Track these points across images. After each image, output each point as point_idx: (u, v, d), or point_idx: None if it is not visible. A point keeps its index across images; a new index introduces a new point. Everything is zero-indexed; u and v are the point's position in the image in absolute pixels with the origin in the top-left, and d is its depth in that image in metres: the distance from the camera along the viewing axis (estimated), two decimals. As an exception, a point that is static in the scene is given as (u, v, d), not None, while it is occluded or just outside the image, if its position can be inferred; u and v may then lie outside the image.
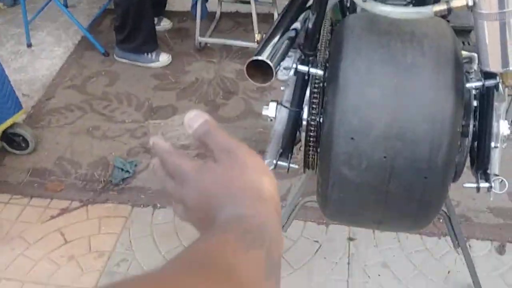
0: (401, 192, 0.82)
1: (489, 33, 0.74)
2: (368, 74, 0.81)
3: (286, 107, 0.92)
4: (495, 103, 0.93)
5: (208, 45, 2.89)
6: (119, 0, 2.53)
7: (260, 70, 0.79)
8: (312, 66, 0.86)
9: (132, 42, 2.65)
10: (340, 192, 0.86)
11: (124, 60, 2.74)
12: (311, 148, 0.91)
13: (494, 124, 0.92)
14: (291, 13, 0.89)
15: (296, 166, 0.96)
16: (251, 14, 2.65)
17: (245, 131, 2.30)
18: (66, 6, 3.25)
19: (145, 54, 2.69)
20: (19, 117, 2.12)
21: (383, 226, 0.91)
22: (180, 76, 2.70)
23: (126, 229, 1.93)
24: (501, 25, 0.73)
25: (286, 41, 0.86)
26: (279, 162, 0.95)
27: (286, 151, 0.95)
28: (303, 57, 0.87)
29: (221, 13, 3.10)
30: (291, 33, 0.87)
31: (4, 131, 2.10)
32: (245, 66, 0.80)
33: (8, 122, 2.05)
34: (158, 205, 2.02)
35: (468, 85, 0.82)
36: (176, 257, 0.37)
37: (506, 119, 0.93)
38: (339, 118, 0.81)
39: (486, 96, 0.84)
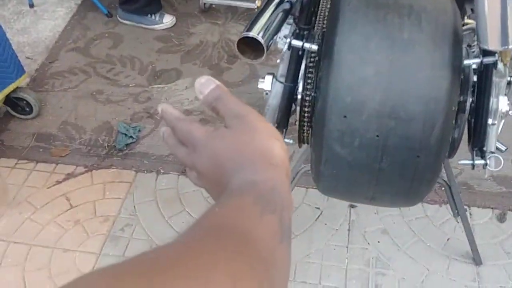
0: (394, 170, 0.81)
1: (489, 9, 0.71)
2: (363, 50, 0.79)
3: (280, 82, 0.90)
4: (495, 79, 0.91)
5: (213, 6, 2.83)
6: None
7: (252, 46, 0.77)
8: (307, 41, 0.84)
9: (135, 3, 2.61)
10: (333, 168, 0.85)
11: (127, 22, 2.70)
12: (305, 124, 0.90)
13: (493, 100, 0.90)
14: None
15: (291, 141, 0.95)
16: (256, -26, 2.58)
17: (249, 96, 2.29)
18: (68, -35, 3.18)
19: (149, 15, 2.65)
20: (22, 81, 2.11)
21: (375, 202, 0.91)
22: (184, 39, 2.66)
23: (130, 194, 1.96)
24: (502, 1, 0.70)
25: (280, 14, 0.84)
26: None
27: (281, 126, 0.95)
28: (297, 30, 0.85)
29: (226, -27, 3.02)
30: (285, 5, 0.85)
31: (8, 96, 2.10)
32: (236, 42, 0.79)
33: (11, 87, 2.05)
34: (162, 171, 2.03)
35: (466, 62, 0.80)
36: (194, 224, 0.38)
37: (506, 95, 0.91)
38: (332, 96, 0.80)
39: (484, 73, 0.81)
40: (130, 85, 2.42)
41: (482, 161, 0.90)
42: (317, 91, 0.84)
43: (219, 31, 2.69)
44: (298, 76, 0.89)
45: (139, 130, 2.19)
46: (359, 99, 0.79)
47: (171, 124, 0.47)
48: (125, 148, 2.12)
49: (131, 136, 2.14)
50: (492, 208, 1.87)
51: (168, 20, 2.66)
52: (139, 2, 2.59)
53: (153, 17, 2.65)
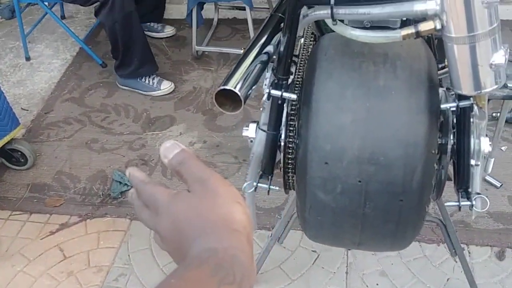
0: (378, 215, 0.81)
1: (459, 56, 0.73)
2: (340, 98, 0.81)
3: (263, 130, 0.91)
4: (476, 121, 0.92)
5: (206, 53, 2.89)
6: (103, 18, 2.44)
7: (230, 98, 0.79)
8: (285, 90, 0.86)
9: (128, 67, 2.57)
10: (317, 215, 0.85)
11: (126, 88, 2.66)
12: (290, 170, 0.90)
13: (476, 141, 0.91)
14: (264, 36, 0.89)
15: (277, 188, 0.96)
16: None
17: (242, 140, 2.30)
18: (63, 17, 3.28)
19: (146, 80, 2.60)
20: (17, 133, 2.13)
21: (363, 247, 0.90)
22: (178, 86, 2.70)
23: (125, 243, 1.94)
24: (471, 48, 0.72)
25: (258, 65, 0.86)
26: (259, 184, 0.95)
27: (266, 173, 0.95)
28: (276, 80, 0.87)
29: (218, 20, 3.11)
30: (263, 57, 0.87)
31: (3, 147, 2.12)
32: (214, 95, 0.80)
33: (6, 139, 2.06)
34: (156, 218, 2.02)
35: (442, 106, 0.81)
36: None
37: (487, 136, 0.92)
38: (312, 144, 0.81)
39: (462, 116, 0.83)
40: (125, 133, 2.43)
41: (468, 203, 0.89)
42: (298, 138, 0.85)
43: (212, 77, 2.73)
44: (281, 123, 0.90)
45: (134, 178, 2.19)
46: (339, 146, 0.80)
47: (136, 186, 0.47)
48: (120, 196, 2.11)
49: (125, 184, 2.14)
50: (490, 246, 1.85)
51: (166, 86, 2.61)
52: (133, 64, 2.55)
53: (150, 82, 2.60)
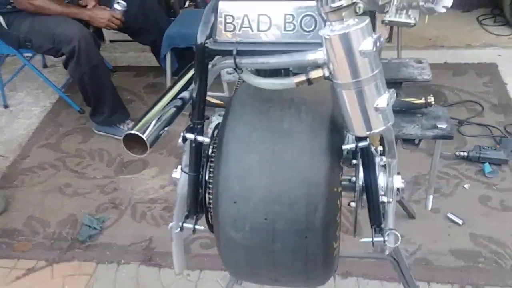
0: (287, 252, 0.85)
1: (348, 101, 0.78)
2: (248, 140, 0.86)
3: (185, 172, 0.96)
4: (388, 159, 0.97)
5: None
6: (71, 70, 2.55)
7: (139, 141, 0.84)
8: (198, 134, 0.91)
9: (101, 114, 2.67)
10: (232, 253, 0.89)
11: (102, 133, 2.74)
12: (210, 210, 0.95)
13: (389, 179, 0.96)
14: (180, 83, 0.95)
15: (202, 228, 0.99)
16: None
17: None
18: (45, 66, 3.38)
19: (120, 125, 2.70)
20: (-13, 179, 2.18)
21: (280, 284, 0.93)
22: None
23: (89, 287, 1.95)
24: (357, 93, 0.77)
25: (172, 109, 0.92)
26: (185, 224, 0.99)
27: (191, 213, 0.99)
28: (191, 125, 0.92)
29: (195, 66, 3.20)
30: (178, 102, 0.93)
31: (-26, 194, 2.16)
32: (122, 139, 0.86)
33: (-24, 186, 2.11)
34: (123, 261, 2.04)
35: (344, 146, 0.86)
36: None
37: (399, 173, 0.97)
38: (222, 184, 0.85)
39: (364, 155, 0.87)
40: (98, 177, 2.48)
41: (381, 239, 0.93)
42: (213, 179, 0.89)
43: (186, 121, 2.79)
44: (200, 165, 0.95)
45: (103, 221, 2.22)
46: (246, 187, 0.84)
47: None
48: (88, 240, 2.13)
49: (94, 227, 2.17)
50: (451, 283, 1.86)
51: None
52: (104, 113, 2.65)
53: (125, 127, 2.67)
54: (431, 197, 1.27)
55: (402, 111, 1.31)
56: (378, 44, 0.75)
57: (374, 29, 1.24)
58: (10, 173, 2.54)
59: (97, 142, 2.72)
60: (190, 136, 0.90)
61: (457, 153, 2.31)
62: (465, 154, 2.27)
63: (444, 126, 1.25)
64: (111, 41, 3.62)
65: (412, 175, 2.29)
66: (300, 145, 0.84)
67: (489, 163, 2.24)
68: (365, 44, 0.74)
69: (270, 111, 0.87)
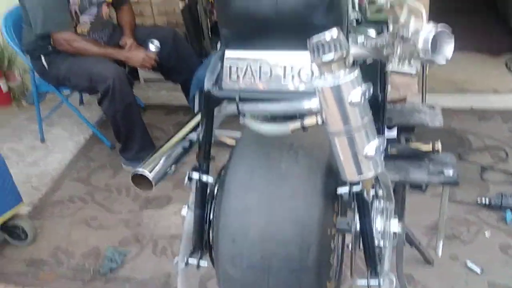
0: (281, 290, 0.88)
1: (340, 147, 0.83)
2: (249, 181, 0.91)
3: (191, 209, 1.02)
4: (384, 204, 1.00)
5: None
6: (105, 108, 2.68)
7: (146, 178, 0.91)
8: (203, 173, 0.97)
9: (130, 151, 2.78)
10: (230, 288, 0.93)
11: (129, 168, 2.83)
12: (213, 247, 0.99)
13: (385, 223, 0.98)
14: (190, 125, 1.02)
15: (206, 264, 1.04)
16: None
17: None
18: (82, 102, 3.55)
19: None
20: (18, 209, 2.29)
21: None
22: (179, 167, 2.84)
23: (107, 319, 2.00)
24: (349, 140, 0.82)
25: (180, 149, 0.98)
26: (190, 260, 1.04)
27: (196, 249, 1.04)
28: (197, 164, 0.99)
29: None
30: (185, 143, 1.00)
31: (5, 223, 2.27)
32: (131, 176, 0.92)
33: (7, 215, 2.22)
34: (141, 295, 2.09)
35: (338, 190, 0.90)
36: None
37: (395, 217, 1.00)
38: (223, 221, 0.90)
39: (359, 199, 0.91)
40: (123, 211, 2.56)
41: (376, 283, 0.95)
42: (215, 217, 0.95)
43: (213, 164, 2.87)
44: (205, 203, 1.01)
45: (125, 255, 2.28)
46: (245, 224, 0.89)
47: None
48: (109, 273, 2.20)
49: (116, 261, 2.23)
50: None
51: None
52: (134, 149, 2.77)
53: None
54: (441, 243, 1.27)
55: (410, 156, 1.34)
56: (366, 95, 0.80)
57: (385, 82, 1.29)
58: (41, 205, 2.66)
59: (125, 177, 2.82)
60: (195, 176, 0.96)
61: (478, 200, 2.29)
62: (487, 201, 2.25)
63: (450, 172, 1.28)
64: (145, 80, 3.78)
65: (431, 219, 2.27)
66: (295, 187, 0.89)
67: (511, 211, 2.21)
68: (354, 95, 0.79)
69: (270, 154, 0.93)
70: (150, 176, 0.89)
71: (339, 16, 0.86)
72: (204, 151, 0.97)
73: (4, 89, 3.65)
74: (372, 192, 0.96)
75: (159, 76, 3.23)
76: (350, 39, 1.26)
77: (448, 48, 1.06)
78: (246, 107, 0.89)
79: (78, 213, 2.58)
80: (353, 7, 1.45)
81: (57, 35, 2.69)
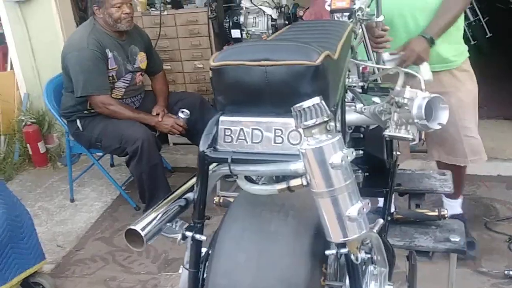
0: None
1: (324, 208, 0.84)
2: (239, 240, 0.93)
3: (186, 268, 1.04)
4: (376, 269, 0.99)
5: (229, 199, 3.09)
6: (132, 168, 2.79)
7: (140, 235, 0.94)
8: (197, 232, 1.00)
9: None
10: None
11: None
12: (207, 306, 1.00)
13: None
14: (187, 184, 1.06)
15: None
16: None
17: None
18: (112, 165, 3.68)
19: (169, 224, 2.85)
20: (40, 267, 2.34)
21: None
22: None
23: None
24: (333, 201, 0.83)
25: (176, 208, 1.02)
26: (185, 320, 1.04)
27: (191, 308, 1.05)
28: (192, 223, 1.01)
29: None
30: (181, 202, 1.03)
31: (26, 279, 2.31)
32: (124, 232, 0.96)
33: (29, 271, 2.27)
34: None
35: (326, 252, 0.91)
36: None
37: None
38: (212, 280, 0.92)
39: (348, 261, 0.91)
40: (142, 273, 2.58)
41: None
42: (206, 275, 0.96)
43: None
44: (199, 262, 1.02)
45: (140, 317, 2.28)
46: (233, 283, 0.90)
47: None
48: (123, 335, 2.19)
49: (130, 323, 2.22)
50: None
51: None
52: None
53: (173, 225, 2.79)
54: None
55: (417, 222, 1.33)
56: (348, 158, 0.82)
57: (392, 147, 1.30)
58: (64, 263, 2.71)
59: (147, 238, 2.85)
60: (188, 234, 0.99)
61: (506, 272, 2.20)
62: (515, 273, 2.16)
63: (457, 239, 1.25)
64: (174, 144, 3.90)
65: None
66: (283, 247, 0.90)
67: (540, 284, 2.10)
68: (335, 157, 0.81)
69: (262, 214, 0.95)
70: (142, 233, 0.92)
71: (325, 85, 0.90)
72: (198, 210, 1.00)
73: (42, 150, 3.83)
74: (364, 255, 0.95)
75: (187, 140, 3.34)
76: (347, 106, 1.31)
77: (443, 114, 1.08)
78: (238, 168, 0.93)
79: (98, 273, 2.61)
80: (358, 76, 1.51)
81: (95, 98, 2.87)
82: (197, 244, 1.01)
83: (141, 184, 2.79)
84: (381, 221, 1.12)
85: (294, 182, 0.87)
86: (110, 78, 2.90)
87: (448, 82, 2.15)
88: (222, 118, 0.97)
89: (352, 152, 0.84)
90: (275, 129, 0.93)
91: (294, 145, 0.92)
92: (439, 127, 1.09)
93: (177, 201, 1.02)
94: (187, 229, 1.01)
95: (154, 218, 0.96)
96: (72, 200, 3.30)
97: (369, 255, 1.00)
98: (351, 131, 1.37)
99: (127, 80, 3.00)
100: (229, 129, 0.96)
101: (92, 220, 3.10)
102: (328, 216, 0.84)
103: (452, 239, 1.25)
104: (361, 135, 1.41)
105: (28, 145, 3.79)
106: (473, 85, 2.22)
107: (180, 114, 2.99)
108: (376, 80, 1.57)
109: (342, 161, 0.81)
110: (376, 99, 1.44)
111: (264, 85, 0.90)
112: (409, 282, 1.45)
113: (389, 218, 1.34)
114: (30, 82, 3.86)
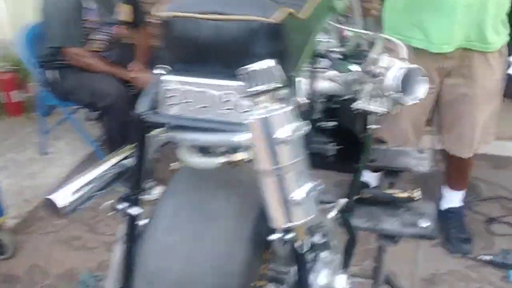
0: None
1: (268, 189, 0.73)
2: (174, 218, 0.82)
3: (119, 243, 0.93)
4: (329, 256, 0.89)
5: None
6: (103, 125, 2.71)
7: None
8: (131, 205, 0.89)
9: None
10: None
11: (122, 189, 2.83)
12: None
13: (330, 278, 0.87)
14: (126, 149, 0.94)
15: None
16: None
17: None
18: (90, 119, 3.53)
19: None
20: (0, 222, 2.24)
21: None
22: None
23: None
24: (277, 181, 0.72)
25: (111, 175, 0.90)
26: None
27: (124, 286, 0.94)
28: (127, 194, 0.90)
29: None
30: (118, 168, 0.92)
31: (-16, 235, 2.22)
32: (45, 199, 0.84)
33: (-14, 227, 2.17)
34: (110, 323, 1.98)
35: (269, 237, 0.80)
36: None
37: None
38: (140, 260, 0.81)
39: (292, 248, 0.80)
40: (107, 234, 2.49)
41: None
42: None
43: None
44: (134, 237, 0.91)
45: (100, 279, 2.19)
46: (162, 266, 0.79)
47: None
48: (80, 298, 2.11)
49: (89, 286, 2.14)
50: None
51: (159, 191, 2.78)
52: None
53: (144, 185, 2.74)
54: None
55: (385, 203, 1.22)
56: (298, 132, 0.70)
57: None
58: (28, 218, 2.61)
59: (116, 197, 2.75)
60: (121, 206, 0.88)
61: (479, 257, 2.12)
62: (490, 258, 2.08)
63: (426, 224, 1.15)
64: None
65: (429, 272, 2.12)
66: (222, 229, 0.79)
67: (515, 270, 2.03)
68: (283, 131, 0.69)
69: (204, 190, 0.84)
70: (59, 204, 0.81)
71: (284, 46, 0.77)
72: (135, 180, 0.88)
73: (17, 99, 3.67)
74: (317, 240, 0.85)
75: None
76: (320, 73, 1.18)
77: (421, 89, 0.95)
78: (178, 136, 0.81)
79: (62, 232, 2.52)
80: (338, 41, 1.37)
81: (68, 50, 2.71)
82: (131, 217, 0.90)
83: (112, 142, 2.67)
84: (342, 201, 1.01)
85: (237, 156, 0.75)
86: (87, 29, 2.73)
87: (478, 67, 1.87)
88: (164, 77, 0.84)
89: (306, 126, 0.72)
90: (225, 93, 0.80)
91: (244, 113, 0.79)
92: (416, 101, 0.96)
93: (114, 167, 0.91)
94: (119, 200, 0.89)
95: (83, 186, 0.85)
96: (45, 153, 3.18)
97: (323, 240, 0.89)
98: (324, 100, 1.24)
99: (107, 33, 2.83)
100: (172, 89, 0.83)
101: (62, 175, 2.98)
102: (271, 198, 0.73)
103: (420, 224, 1.15)
104: (336, 105, 1.28)
105: (1, 93, 3.64)
106: (503, 72, 1.96)
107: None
108: (359, 46, 1.43)
109: (290, 135, 0.69)
110: (354, 67, 1.30)
111: (214, 42, 0.77)
112: (376, 262, 1.36)
113: (356, 197, 1.23)
114: (6, 28, 3.67)
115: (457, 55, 1.84)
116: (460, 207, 2.31)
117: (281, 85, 0.70)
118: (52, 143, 3.31)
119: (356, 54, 1.40)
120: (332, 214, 0.93)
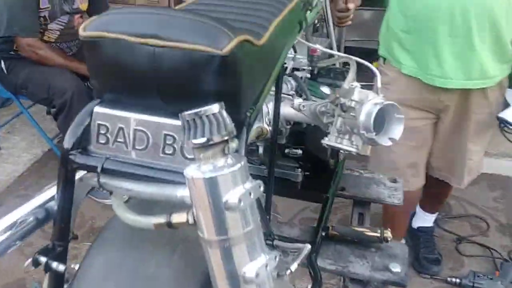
0: None
1: (213, 261, 0.60)
2: (100, 283, 0.69)
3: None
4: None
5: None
6: (60, 123, 2.51)
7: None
8: (54, 258, 0.75)
9: None
10: None
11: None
12: None
13: None
14: (52, 190, 0.80)
15: None
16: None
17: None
18: (49, 113, 3.33)
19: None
20: None
21: None
22: (134, 196, 2.62)
23: None
24: (224, 254, 0.58)
25: (31, 221, 0.77)
26: None
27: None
28: (50, 246, 0.76)
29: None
30: (40, 213, 0.78)
31: None
32: None
33: None
34: None
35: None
36: None
37: None
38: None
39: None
40: (61, 240, 2.33)
41: None
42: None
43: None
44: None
45: (50, 292, 2.04)
46: None
47: None
48: (28, 312, 1.96)
49: (37, 299, 1.99)
50: None
51: None
52: None
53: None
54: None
55: (354, 242, 1.12)
56: (251, 195, 0.58)
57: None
58: (-25, 222, 2.42)
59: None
60: (42, 259, 0.74)
61: (448, 279, 2.05)
62: (457, 281, 2.01)
63: (398, 270, 1.05)
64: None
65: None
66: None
67: (484, 293, 1.97)
68: (232, 194, 0.56)
69: (140, 247, 0.70)
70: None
71: (236, 81, 0.64)
72: (59, 228, 0.74)
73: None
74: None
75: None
76: (285, 99, 1.06)
77: (397, 129, 0.84)
78: (110, 182, 0.67)
79: (12, 236, 2.34)
80: (308, 58, 1.25)
81: (21, 40, 2.51)
82: (56, 274, 0.76)
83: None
84: (308, 247, 0.89)
85: (177, 218, 0.62)
86: (42, 18, 2.54)
87: (476, 102, 1.70)
88: (97, 108, 0.70)
89: (260, 186, 0.59)
90: (166, 135, 0.67)
91: (189, 160, 0.66)
92: (389, 143, 0.85)
93: (34, 211, 0.76)
94: (41, 252, 0.75)
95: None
96: (-2, 149, 2.99)
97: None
98: (289, 126, 1.12)
99: (63, 22, 2.64)
100: (105, 125, 0.69)
101: (16, 174, 2.80)
102: (217, 272, 0.60)
103: (392, 269, 1.05)
104: (302, 130, 1.16)
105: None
106: (500, 103, 1.77)
107: None
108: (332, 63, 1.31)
109: (241, 200, 0.56)
110: (325, 89, 1.18)
111: (151, 71, 0.63)
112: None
113: (323, 234, 1.11)
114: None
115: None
116: (431, 227, 2.24)
117: (232, 136, 0.57)
118: (7, 137, 3.12)
119: (327, 73, 1.29)
120: (295, 265, 0.80)
